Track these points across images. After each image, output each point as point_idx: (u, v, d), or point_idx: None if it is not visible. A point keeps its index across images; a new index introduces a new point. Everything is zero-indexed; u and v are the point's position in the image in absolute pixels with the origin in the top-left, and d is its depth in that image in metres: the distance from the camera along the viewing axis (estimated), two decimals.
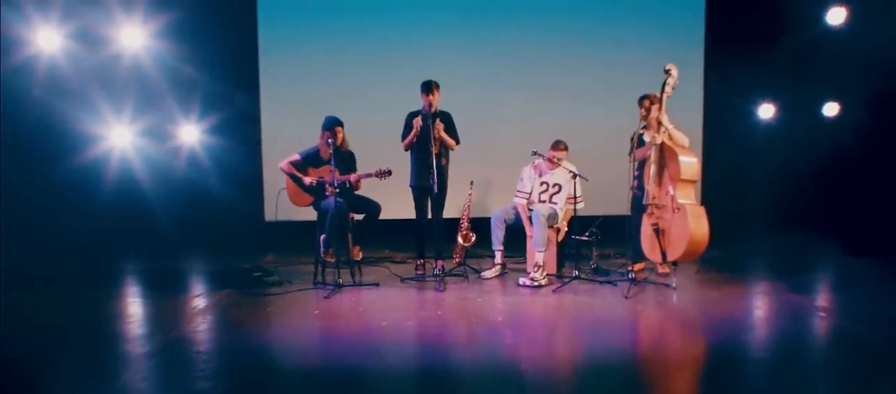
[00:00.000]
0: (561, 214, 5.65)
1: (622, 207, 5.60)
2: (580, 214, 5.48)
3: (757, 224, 7.48)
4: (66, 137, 6.81)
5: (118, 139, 7.13)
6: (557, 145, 5.63)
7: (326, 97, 7.27)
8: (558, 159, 5.59)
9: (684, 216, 4.83)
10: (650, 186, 5.06)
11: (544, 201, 5.66)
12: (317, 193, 5.42)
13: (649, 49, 7.25)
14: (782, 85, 7.42)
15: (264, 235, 7.24)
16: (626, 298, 4.77)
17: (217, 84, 7.25)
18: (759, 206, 7.51)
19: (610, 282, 5.22)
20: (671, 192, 4.94)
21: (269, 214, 5.94)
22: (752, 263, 6.21)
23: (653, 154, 5.05)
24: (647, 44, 7.35)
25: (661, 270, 5.47)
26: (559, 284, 5.15)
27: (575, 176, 5.44)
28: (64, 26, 6.37)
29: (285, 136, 7.12)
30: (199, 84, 7.20)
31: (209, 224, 7.44)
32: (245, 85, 7.43)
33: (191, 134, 7.45)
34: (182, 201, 7.40)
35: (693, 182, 5.01)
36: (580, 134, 6.81)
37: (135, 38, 6.85)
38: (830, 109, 7.44)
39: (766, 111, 7.68)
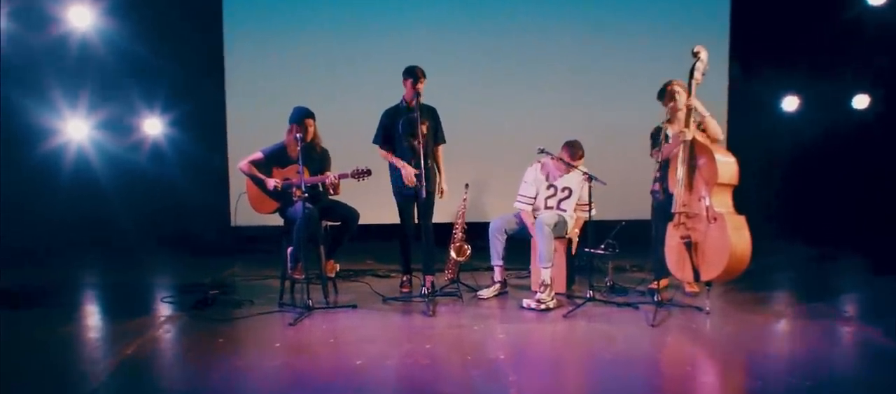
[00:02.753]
0: (571, 223, 4.84)
1: (641, 211, 4.81)
2: (594, 219, 4.66)
3: (790, 230, 6.67)
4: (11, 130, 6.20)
5: (74, 132, 6.53)
6: (575, 152, 4.70)
7: (298, 85, 6.54)
8: (574, 166, 4.75)
9: (723, 228, 4.03)
10: (679, 191, 4.25)
11: (551, 208, 4.83)
12: (282, 198, 4.60)
13: (669, 34, 6.52)
14: (817, 76, 6.63)
15: (232, 242, 6.51)
16: (652, 326, 3.98)
17: (179, 71, 6.50)
18: (794, 209, 6.73)
19: (630, 304, 4.43)
20: (706, 199, 4.13)
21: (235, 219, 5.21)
22: (789, 277, 5.42)
23: (680, 152, 4.25)
24: (667, 29, 6.59)
25: (688, 289, 4.69)
26: (570, 308, 4.34)
27: (590, 178, 4.55)
28: (4, 3, 5.77)
29: (253, 129, 6.26)
30: (156, 68, 6.43)
31: (173, 230, 6.75)
32: (208, 71, 6.61)
33: (154, 126, 6.70)
34: (143, 203, 6.72)
35: (731, 186, 4.21)
36: (592, 129, 6.08)
37: (83, 17, 6.07)
38: (862, 102, 6.71)
39: (791, 103, 6.92)
